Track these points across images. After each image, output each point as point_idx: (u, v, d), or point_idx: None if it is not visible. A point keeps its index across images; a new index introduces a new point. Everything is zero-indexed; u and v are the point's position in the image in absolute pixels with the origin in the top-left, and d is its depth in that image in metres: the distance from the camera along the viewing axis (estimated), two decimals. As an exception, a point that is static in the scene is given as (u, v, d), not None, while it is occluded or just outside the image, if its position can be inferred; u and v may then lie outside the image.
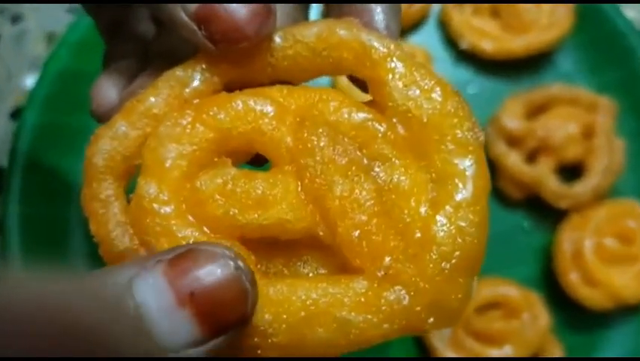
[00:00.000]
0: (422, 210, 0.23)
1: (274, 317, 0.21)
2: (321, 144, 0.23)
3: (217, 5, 0.23)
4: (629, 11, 0.63)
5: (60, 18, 0.63)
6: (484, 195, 0.23)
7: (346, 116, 0.24)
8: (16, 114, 0.59)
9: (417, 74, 0.23)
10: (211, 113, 0.23)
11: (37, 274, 0.19)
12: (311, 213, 0.23)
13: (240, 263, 0.20)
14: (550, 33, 0.60)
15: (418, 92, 0.23)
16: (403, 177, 0.23)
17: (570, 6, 0.60)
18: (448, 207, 0.22)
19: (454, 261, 0.22)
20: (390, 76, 0.23)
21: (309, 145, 0.23)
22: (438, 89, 0.23)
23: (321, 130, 0.23)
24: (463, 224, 0.22)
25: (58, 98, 0.57)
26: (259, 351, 0.22)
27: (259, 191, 0.23)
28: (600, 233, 0.56)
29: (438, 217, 0.22)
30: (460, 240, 0.22)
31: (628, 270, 0.55)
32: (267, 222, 0.23)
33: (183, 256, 0.20)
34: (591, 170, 0.57)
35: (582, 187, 0.56)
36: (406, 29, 0.62)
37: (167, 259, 0.20)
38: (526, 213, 0.59)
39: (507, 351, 0.54)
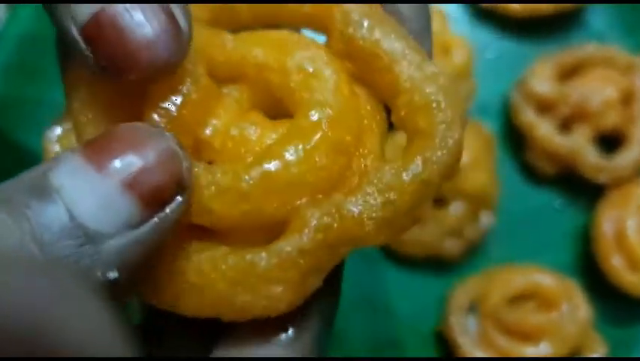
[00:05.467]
0: None
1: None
2: None
3: (111, 18, 0.18)
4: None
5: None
6: None
7: None
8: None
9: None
10: None
11: None
12: None
13: (166, 133, 0.18)
14: (581, -13, 0.53)
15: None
16: None
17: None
18: None
19: None
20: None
21: None
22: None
23: None
24: None
25: (19, 67, 0.51)
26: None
27: None
28: (645, 211, 0.49)
29: None
30: None
31: (678, 252, 0.48)
32: None
33: (100, 137, 0.18)
34: (632, 139, 0.50)
35: (623, 159, 0.50)
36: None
37: (82, 145, 0.17)
38: (559, 191, 0.52)
39: (543, 349, 0.47)
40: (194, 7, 0.21)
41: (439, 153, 0.19)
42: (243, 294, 0.19)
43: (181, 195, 0.18)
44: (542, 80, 0.51)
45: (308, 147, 0.19)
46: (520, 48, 0.55)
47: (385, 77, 0.20)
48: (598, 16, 0.56)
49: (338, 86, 0.20)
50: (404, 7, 0.22)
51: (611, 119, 0.50)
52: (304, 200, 0.19)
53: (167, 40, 0.18)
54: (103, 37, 0.18)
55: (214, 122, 0.20)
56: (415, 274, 0.50)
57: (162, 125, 0.19)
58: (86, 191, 0.17)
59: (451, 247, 0.49)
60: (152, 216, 0.17)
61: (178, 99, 0.19)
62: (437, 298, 0.49)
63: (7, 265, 0.14)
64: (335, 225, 0.19)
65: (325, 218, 0.19)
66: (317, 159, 0.19)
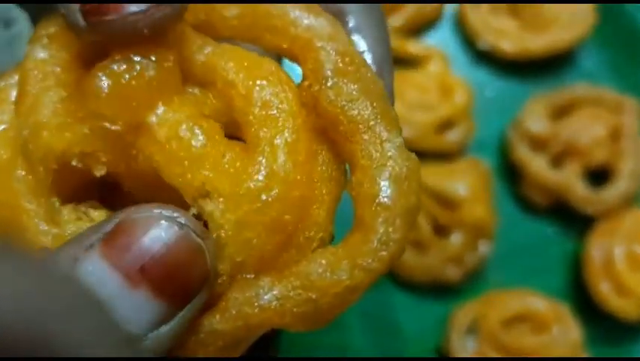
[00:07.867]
0: None
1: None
2: None
3: None
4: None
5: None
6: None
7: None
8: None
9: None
10: None
11: None
12: None
13: (183, 219, 0.17)
14: (572, 31, 0.57)
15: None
16: None
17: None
18: None
19: None
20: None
21: None
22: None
23: None
24: None
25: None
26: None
27: None
28: (631, 240, 0.53)
29: None
30: None
31: (661, 278, 0.52)
32: None
33: (118, 231, 0.17)
34: (619, 174, 0.54)
35: (611, 192, 0.54)
36: (421, 29, 0.59)
37: (99, 239, 0.17)
38: (551, 221, 0.56)
39: (537, 367, 0.51)
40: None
41: (370, 261, 0.18)
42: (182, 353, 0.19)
43: (205, 286, 0.18)
44: (536, 119, 0.55)
45: (242, 228, 0.18)
46: (516, 87, 0.59)
47: (346, 145, 0.19)
48: (588, 58, 0.60)
49: (294, 149, 0.19)
50: (364, 39, 0.22)
51: (599, 155, 0.54)
52: (237, 277, 0.19)
53: (152, 12, 0.18)
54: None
55: (164, 110, 0.19)
56: (419, 298, 0.54)
57: (105, 90, 0.18)
58: (119, 299, 0.17)
59: (453, 273, 0.53)
60: (181, 310, 0.17)
61: (134, 69, 0.18)
62: (439, 319, 0.53)
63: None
64: (254, 315, 0.18)
65: (246, 308, 0.18)
66: (249, 239, 0.18)
